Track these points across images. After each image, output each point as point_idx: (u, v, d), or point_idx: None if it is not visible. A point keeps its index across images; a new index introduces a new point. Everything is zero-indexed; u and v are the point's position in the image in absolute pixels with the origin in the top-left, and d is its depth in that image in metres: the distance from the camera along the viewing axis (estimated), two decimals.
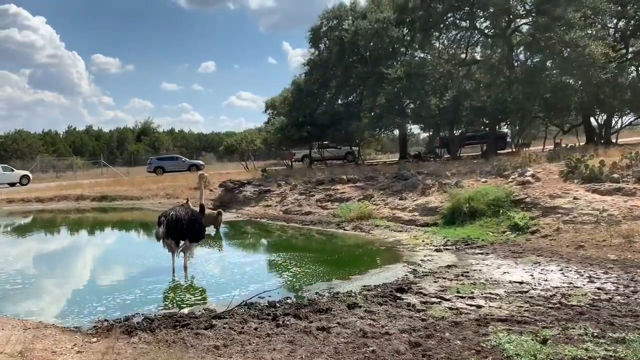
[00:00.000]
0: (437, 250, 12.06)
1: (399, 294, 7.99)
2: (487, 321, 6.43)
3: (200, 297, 8.32)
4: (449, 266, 10.17)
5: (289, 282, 9.15)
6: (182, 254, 10.78)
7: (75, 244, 15.93)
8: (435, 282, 8.87)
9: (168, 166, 41.19)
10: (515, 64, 24.20)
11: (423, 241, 13.38)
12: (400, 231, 15.15)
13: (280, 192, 22.87)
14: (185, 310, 7.50)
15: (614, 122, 27.83)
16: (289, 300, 7.85)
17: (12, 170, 40.39)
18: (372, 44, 26.27)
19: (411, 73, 23.60)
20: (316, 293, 8.28)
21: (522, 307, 7.10)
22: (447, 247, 12.30)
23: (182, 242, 10.68)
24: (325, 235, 15.55)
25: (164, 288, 9.02)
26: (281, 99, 47.75)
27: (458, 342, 5.61)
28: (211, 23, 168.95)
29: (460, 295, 7.86)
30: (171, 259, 10.72)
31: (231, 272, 10.29)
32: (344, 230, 16.13)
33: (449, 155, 30.62)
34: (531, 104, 21.66)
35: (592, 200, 13.11)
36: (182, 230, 10.33)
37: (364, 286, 8.67)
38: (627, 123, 26.14)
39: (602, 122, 27.61)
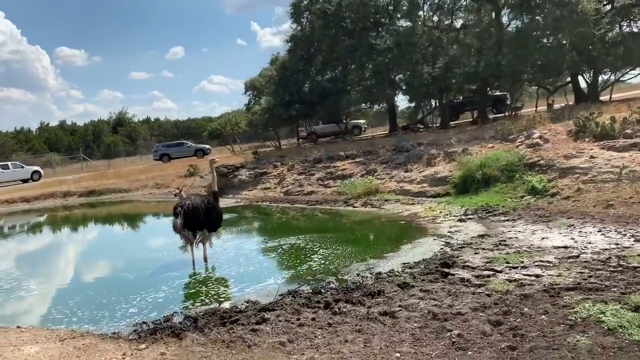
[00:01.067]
0: (460, 221, 11.69)
1: (445, 269, 7.59)
2: (556, 291, 6.06)
3: (235, 289, 7.82)
4: (481, 236, 9.81)
5: (322, 266, 8.67)
6: (201, 245, 10.28)
7: (82, 243, 15.20)
8: (476, 253, 8.49)
9: (174, 153, 39.19)
10: (506, 26, 23.77)
11: (441, 212, 13.02)
12: (413, 204, 14.79)
13: (277, 174, 22.29)
14: (227, 305, 7.01)
15: (601, 80, 27.75)
16: (332, 285, 7.39)
17: (23, 167, 39.53)
18: (358, 15, 25.51)
19: (401, 42, 23.04)
20: (358, 275, 7.84)
21: (583, 273, 6.75)
22: (469, 217, 11.94)
23: (199, 233, 10.17)
24: (336, 214, 15.10)
25: (191, 282, 8.49)
26: (261, 79, 46.97)
27: (543, 317, 5.23)
28: (177, 7, 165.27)
29: (511, 265, 7.48)
30: (190, 251, 10.21)
31: (256, 259, 9.79)
32: (354, 207, 15.70)
33: (439, 124, 30.30)
34: (525, 66, 21.31)
35: (609, 158, 12.85)
36: (200, 220, 9.79)
37: (404, 264, 8.28)
38: (614, 80, 25.93)
39: (590, 81, 27.47)
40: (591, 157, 13.13)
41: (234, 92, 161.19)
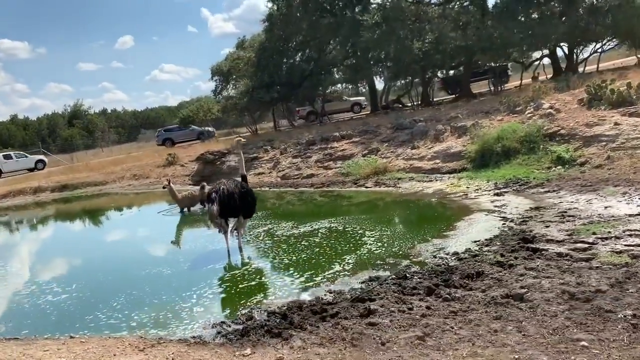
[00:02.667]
0: (496, 195, 11.18)
1: (530, 245, 7.04)
2: None
3: (298, 278, 7.01)
4: (535, 209, 9.33)
5: (383, 249, 7.99)
6: (235, 232, 9.44)
7: (84, 239, 13.86)
8: (547, 227, 7.96)
9: (177, 137, 37.17)
10: None
11: (468, 187, 12.50)
12: (430, 181, 14.24)
13: (270, 158, 21.40)
14: (306, 297, 6.25)
15: (578, 51, 27.79)
16: (413, 269, 6.72)
17: (26, 156, 38.59)
18: None
19: (389, 17, 22.34)
20: (434, 256, 7.20)
21: None
22: (503, 190, 11.45)
23: (232, 220, 9.34)
24: (351, 196, 14.40)
25: (245, 274, 7.63)
26: (227, 63, 45.51)
27: None
28: None
29: (600, 236, 6.97)
30: (224, 240, 9.35)
31: (300, 245, 8.96)
32: (366, 187, 15.06)
33: (419, 102, 29.85)
34: (517, 37, 20.99)
35: (635, 124, 12.55)
36: (236, 205, 8.95)
37: (475, 241, 7.69)
38: (601, 51, 25.97)
39: (569, 52, 27.46)
40: (615, 124, 12.81)
41: (186, 81, 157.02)
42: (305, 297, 6.22)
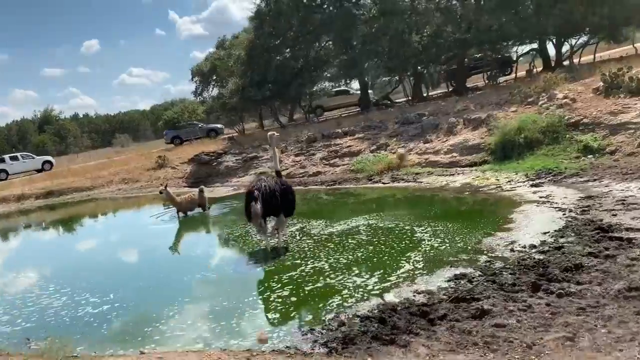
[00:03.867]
0: (534, 186, 10.83)
1: (613, 234, 6.67)
2: None
3: (376, 279, 6.47)
4: (586, 198, 9.01)
5: (447, 246, 7.48)
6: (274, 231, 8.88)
7: (101, 248, 12.65)
8: (615, 215, 7.60)
9: (185, 134, 35.83)
10: None
11: (497, 180, 12.13)
12: (452, 174, 13.84)
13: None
14: (392, 298, 5.72)
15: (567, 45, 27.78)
16: (498, 264, 6.25)
17: (33, 157, 37.78)
18: None
19: (386, 11, 21.93)
20: (511, 250, 6.76)
21: None
22: (540, 181, 11.10)
23: (270, 219, 8.76)
24: (370, 192, 13.90)
25: (305, 276, 7.04)
26: (207, 64, 44.57)
27: None
28: None
29: None
30: (263, 240, 8.79)
31: (350, 244, 8.40)
32: (383, 183, 14.59)
33: (411, 97, 29.54)
34: (515, 30, 20.79)
35: None
36: (277, 203, 8.38)
37: (544, 233, 7.31)
38: (597, 41, 25.88)
39: (558, 45, 27.39)
40: None
41: (156, 84, 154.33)
42: (391, 298, 5.68)
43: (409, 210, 10.62)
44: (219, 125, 35.25)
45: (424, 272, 6.40)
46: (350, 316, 5.34)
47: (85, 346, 5.57)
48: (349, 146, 18.58)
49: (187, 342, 5.38)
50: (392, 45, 22.41)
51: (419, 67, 24.63)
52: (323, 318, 5.43)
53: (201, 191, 14.12)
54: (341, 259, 7.57)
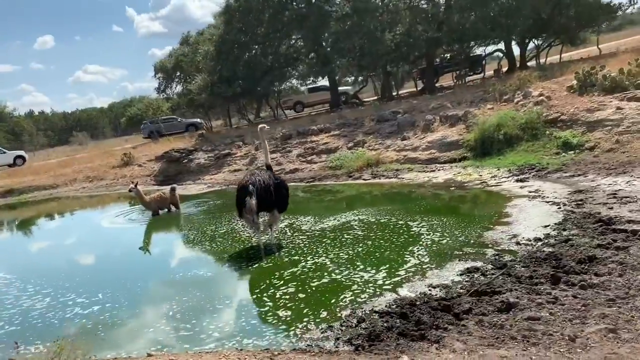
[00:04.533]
0: (519, 181, 10.95)
1: (616, 227, 6.73)
2: None
3: (384, 274, 6.30)
4: (577, 192, 9.13)
5: (449, 240, 7.39)
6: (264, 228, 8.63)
7: (75, 247, 12.04)
8: (611, 208, 7.70)
9: (164, 129, 34.45)
10: None
11: (480, 175, 12.21)
12: (433, 171, 13.88)
13: (244, 154, 20.39)
14: (407, 293, 5.57)
15: (532, 45, 28.39)
16: (507, 258, 6.20)
17: (4, 152, 36.33)
18: None
19: (359, 9, 21.85)
20: (516, 243, 6.74)
21: None
22: (524, 177, 11.22)
23: (262, 215, 8.50)
24: (355, 188, 13.80)
25: (308, 272, 6.82)
26: (171, 60, 43.63)
27: None
28: None
29: None
30: (255, 236, 8.55)
31: (347, 239, 8.21)
32: (364, 180, 14.49)
33: (379, 96, 29.62)
34: (486, 28, 21.06)
35: (638, 108, 12.65)
36: (272, 198, 8.14)
37: (545, 226, 7.36)
38: (563, 43, 26.47)
39: (524, 46, 27.93)
40: (618, 108, 12.89)
41: (112, 82, 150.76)
42: (406, 293, 5.54)
43: (397, 205, 10.49)
44: (198, 120, 34.23)
45: (433, 266, 6.28)
46: (368, 312, 5.17)
47: (101, 348, 5.20)
48: (326, 143, 18.42)
49: (199, 342, 5.08)
50: (365, 43, 22.33)
51: (390, 66, 24.62)
52: (339, 314, 5.24)
53: (173, 190, 13.66)
54: (341, 254, 7.38)
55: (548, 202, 8.72)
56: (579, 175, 10.44)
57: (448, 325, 4.53)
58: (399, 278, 6.04)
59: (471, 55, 25.56)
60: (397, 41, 22.01)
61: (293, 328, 5.10)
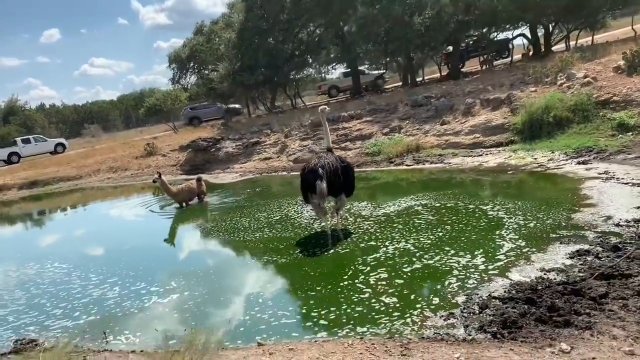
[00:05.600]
0: (581, 163, 10.60)
1: None
2: None
3: (483, 259, 5.96)
4: None
5: (537, 223, 7.02)
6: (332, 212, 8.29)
7: (133, 238, 11.76)
8: None
9: (204, 115, 34.41)
10: None
11: (535, 158, 11.84)
12: (481, 155, 13.49)
13: (274, 142, 20.02)
14: (521, 277, 5.18)
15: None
16: (615, 240, 5.83)
17: (45, 140, 37.56)
18: None
19: None
20: (616, 225, 6.44)
21: None
22: (585, 159, 10.83)
23: (328, 199, 8.16)
24: (400, 174, 13.44)
25: (394, 257, 6.48)
26: (186, 50, 43.23)
27: None
28: None
29: None
30: (322, 221, 8.24)
31: (420, 224, 7.87)
32: (407, 165, 14.13)
33: (401, 83, 29.14)
34: (519, 10, 20.49)
35: None
36: (340, 182, 7.80)
37: (638, 207, 6.93)
38: (598, 25, 25.68)
39: (550, 30, 27.25)
40: None
41: (119, 74, 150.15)
42: (520, 278, 5.20)
43: (456, 189, 10.12)
44: (237, 106, 33.83)
45: (533, 250, 5.93)
46: (485, 298, 4.84)
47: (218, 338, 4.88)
48: (359, 129, 18.03)
49: (306, 331, 4.77)
50: (392, 28, 21.84)
51: (420, 50, 24.14)
52: (453, 301, 4.91)
53: (199, 180, 13.31)
54: (422, 239, 7.04)
55: (626, 183, 8.34)
56: None
57: (590, 310, 4.19)
58: (502, 263, 5.70)
59: (497, 39, 24.97)
60: (426, 25, 21.46)
61: (408, 315, 4.77)
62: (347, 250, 7.12)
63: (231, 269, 7.38)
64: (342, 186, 7.91)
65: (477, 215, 7.89)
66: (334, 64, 28.59)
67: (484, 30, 23.25)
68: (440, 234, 7.14)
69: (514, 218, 7.37)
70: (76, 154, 30.79)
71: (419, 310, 4.83)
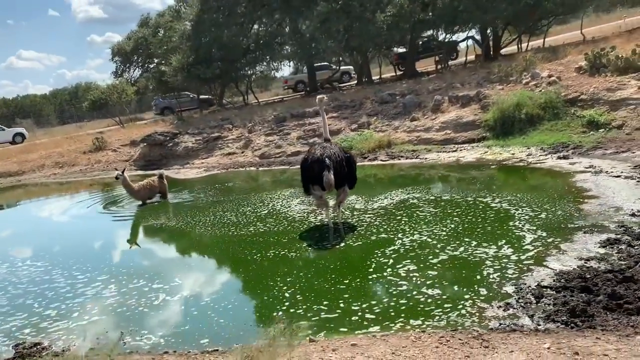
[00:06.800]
0: (562, 158, 10.84)
1: None
2: None
3: (511, 249, 5.86)
4: (637, 167, 8.92)
5: (550, 214, 7.02)
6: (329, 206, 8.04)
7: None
8: None
9: (176, 105, 32.50)
10: None
11: (513, 154, 12.04)
12: (455, 150, 13.59)
13: (237, 137, 19.47)
14: (562, 267, 5.12)
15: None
16: (638, 230, 5.87)
17: (3, 129, 35.65)
18: None
19: None
20: (631, 215, 6.45)
21: None
22: (564, 154, 11.08)
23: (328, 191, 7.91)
24: (379, 169, 13.29)
25: (415, 248, 6.30)
26: (130, 43, 41.63)
27: None
28: None
29: None
30: (324, 216, 8.00)
31: (425, 216, 7.75)
32: (382, 161, 14.07)
33: (355, 82, 29.19)
34: (480, 12, 20.86)
35: None
36: (344, 173, 7.56)
37: None
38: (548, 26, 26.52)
39: (499, 33, 28.01)
40: (639, 88, 12.94)
41: (49, 68, 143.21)
42: (561, 267, 5.15)
43: (444, 183, 10.16)
44: (211, 97, 32.59)
45: (559, 239, 5.90)
46: (535, 287, 4.72)
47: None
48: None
49: (354, 325, 4.50)
50: (356, 24, 21.75)
51: (381, 48, 24.18)
52: (501, 291, 4.76)
53: (161, 177, 12.67)
54: (435, 231, 6.89)
55: (617, 176, 8.54)
56: (624, 152, 10.39)
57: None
58: (533, 252, 5.62)
59: (447, 41, 25.44)
60: (388, 22, 21.51)
61: (460, 307, 4.58)
62: (360, 243, 6.88)
63: (238, 264, 6.94)
64: (345, 177, 7.65)
65: (480, 207, 7.83)
66: (290, 60, 28.17)
67: (439, 30, 23.57)
68: (452, 226, 7.02)
69: (521, 210, 7.36)
70: (16, 148, 28.93)
71: (470, 301, 4.65)
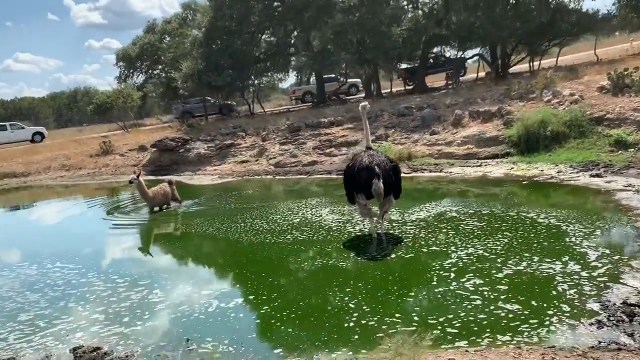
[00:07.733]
0: (594, 176, 10.65)
1: None
2: None
3: (578, 265, 5.67)
4: None
5: (610, 230, 6.89)
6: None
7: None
8: None
9: (196, 110, 31.63)
10: None
11: (541, 170, 11.91)
12: (480, 165, 13.47)
13: (250, 145, 19.28)
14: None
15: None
16: None
17: (23, 128, 35.76)
18: None
19: (367, 1, 21.24)
20: None
21: None
22: (596, 173, 10.91)
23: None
24: (408, 182, 13.00)
25: (472, 262, 6.09)
26: (135, 48, 41.55)
27: None
28: None
29: None
30: (369, 225, 7.80)
31: (470, 230, 7.56)
32: (404, 173, 13.65)
33: (363, 94, 29.16)
34: (496, 29, 20.90)
35: None
36: (391, 182, 7.40)
37: None
38: (559, 47, 26.62)
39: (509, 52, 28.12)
40: None
41: (45, 72, 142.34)
42: (638, 284, 4.91)
43: (479, 197, 9.97)
44: (232, 103, 32.32)
45: (627, 257, 5.72)
46: (620, 305, 4.54)
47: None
48: (343, 136, 17.68)
49: (439, 340, 4.26)
50: (369, 37, 21.73)
51: (390, 62, 24.15)
52: (586, 308, 4.60)
53: (170, 183, 12.43)
54: (489, 245, 6.71)
55: None
56: None
57: None
58: (604, 269, 5.46)
59: (457, 58, 25.47)
60: (404, 36, 21.50)
61: (547, 323, 4.39)
62: (412, 255, 6.68)
63: (288, 273, 6.70)
64: (391, 187, 7.47)
65: (528, 222, 7.66)
66: (300, 71, 28.09)
67: (451, 46, 23.64)
68: (505, 240, 6.84)
69: (572, 226, 7.20)
70: (20, 149, 28.57)
71: (556, 317, 4.46)
